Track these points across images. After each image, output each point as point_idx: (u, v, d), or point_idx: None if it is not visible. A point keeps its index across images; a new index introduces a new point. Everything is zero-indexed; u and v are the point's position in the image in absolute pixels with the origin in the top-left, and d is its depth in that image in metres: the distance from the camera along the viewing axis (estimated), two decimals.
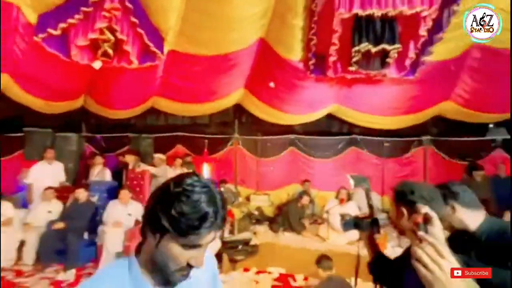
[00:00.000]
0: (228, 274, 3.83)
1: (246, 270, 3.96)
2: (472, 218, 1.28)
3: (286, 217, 4.65)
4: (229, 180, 6.24)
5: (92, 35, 3.37)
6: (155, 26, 3.82)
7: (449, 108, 4.80)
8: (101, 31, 3.48)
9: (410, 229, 0.94)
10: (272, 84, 4.57)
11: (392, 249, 3.79)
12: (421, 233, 0.62)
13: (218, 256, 4.12)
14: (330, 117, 5.55)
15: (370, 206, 1.40)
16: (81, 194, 4.08)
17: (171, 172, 4.99)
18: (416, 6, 2.68)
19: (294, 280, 3.76)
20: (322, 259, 2.87)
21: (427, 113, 4.89)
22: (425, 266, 0.59)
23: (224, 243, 4.05)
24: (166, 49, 4.13)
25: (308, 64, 3.76)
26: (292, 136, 6.35)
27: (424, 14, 2.75)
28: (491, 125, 5.52)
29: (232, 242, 4.01)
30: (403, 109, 4.69)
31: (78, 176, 5.67)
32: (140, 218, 3.99)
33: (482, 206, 1.32)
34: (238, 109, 5.93)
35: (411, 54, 3.15)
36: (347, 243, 3.93)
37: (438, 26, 2.92)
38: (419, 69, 3.45)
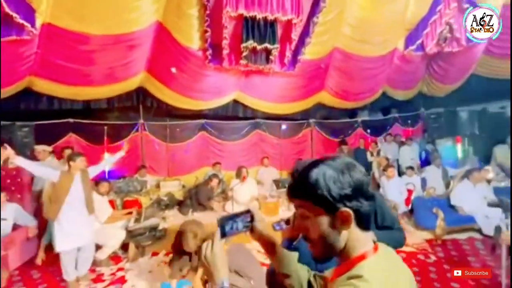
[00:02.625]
0: (135, 262, 3.87)
1: (154, 254, 4.07)
2: None
3: (195, 199, 4.93)
4: (136, 168, 5.96)
5: None
6: None
7: (326, 97, 6.03)
8: None
9: None
10: (173, 70, 4.56)
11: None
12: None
13: (125, 246, 4.06)
14: (235, 102, 5.99)
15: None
16: None
17: (61, 166, 4.41)
18: (287, 14, 3.26)
19: None
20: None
21: (310, 101, 5.98)
22: None
23: (129, 232, 4.02)
24: (39, 22, 3.52)
25: (206, 53, 3.96)
26: (202, 121, 6.53)
27: (294, 21, 3.38)
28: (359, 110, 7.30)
29: (138, 230, 4.02)
30: (290, 97, 5.59)
31: None
32: (19, 222, 3.44)
33: None
34: (142, 93, 5.60)
35: (287, 53, 3.83)
36: None
37: (306, 32, 3.65)
38: (297, 66, 4.21)
